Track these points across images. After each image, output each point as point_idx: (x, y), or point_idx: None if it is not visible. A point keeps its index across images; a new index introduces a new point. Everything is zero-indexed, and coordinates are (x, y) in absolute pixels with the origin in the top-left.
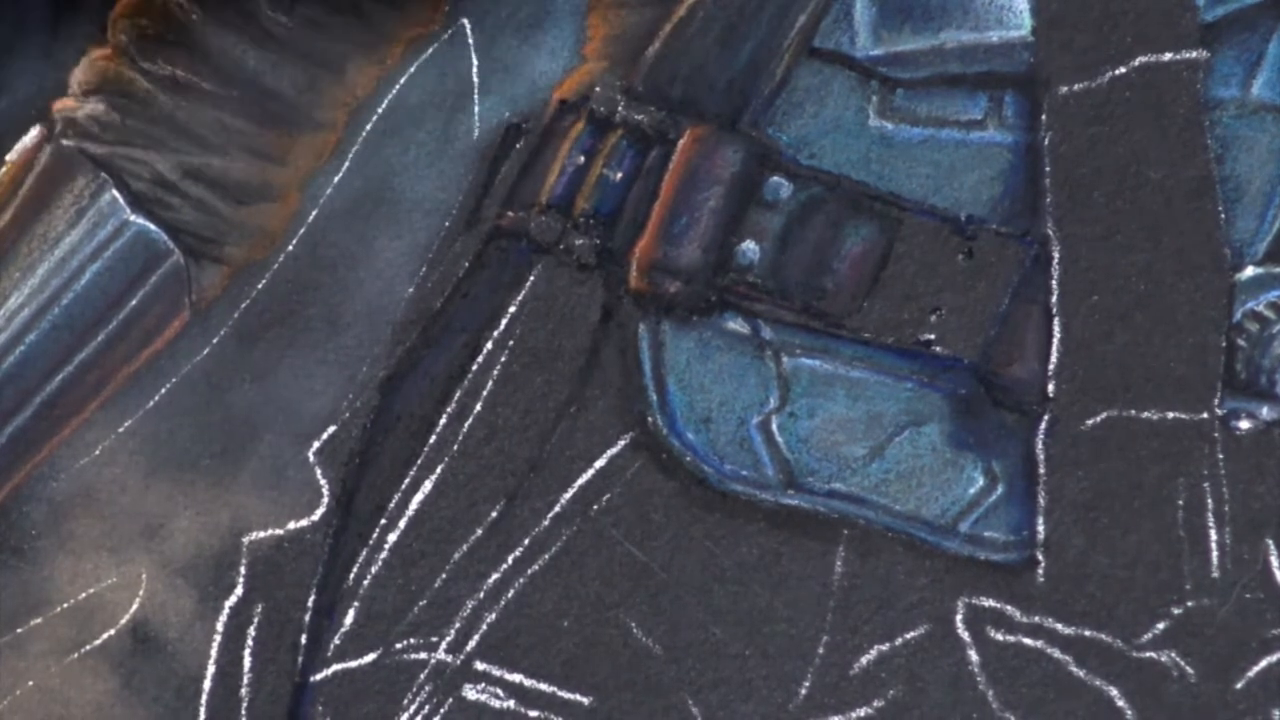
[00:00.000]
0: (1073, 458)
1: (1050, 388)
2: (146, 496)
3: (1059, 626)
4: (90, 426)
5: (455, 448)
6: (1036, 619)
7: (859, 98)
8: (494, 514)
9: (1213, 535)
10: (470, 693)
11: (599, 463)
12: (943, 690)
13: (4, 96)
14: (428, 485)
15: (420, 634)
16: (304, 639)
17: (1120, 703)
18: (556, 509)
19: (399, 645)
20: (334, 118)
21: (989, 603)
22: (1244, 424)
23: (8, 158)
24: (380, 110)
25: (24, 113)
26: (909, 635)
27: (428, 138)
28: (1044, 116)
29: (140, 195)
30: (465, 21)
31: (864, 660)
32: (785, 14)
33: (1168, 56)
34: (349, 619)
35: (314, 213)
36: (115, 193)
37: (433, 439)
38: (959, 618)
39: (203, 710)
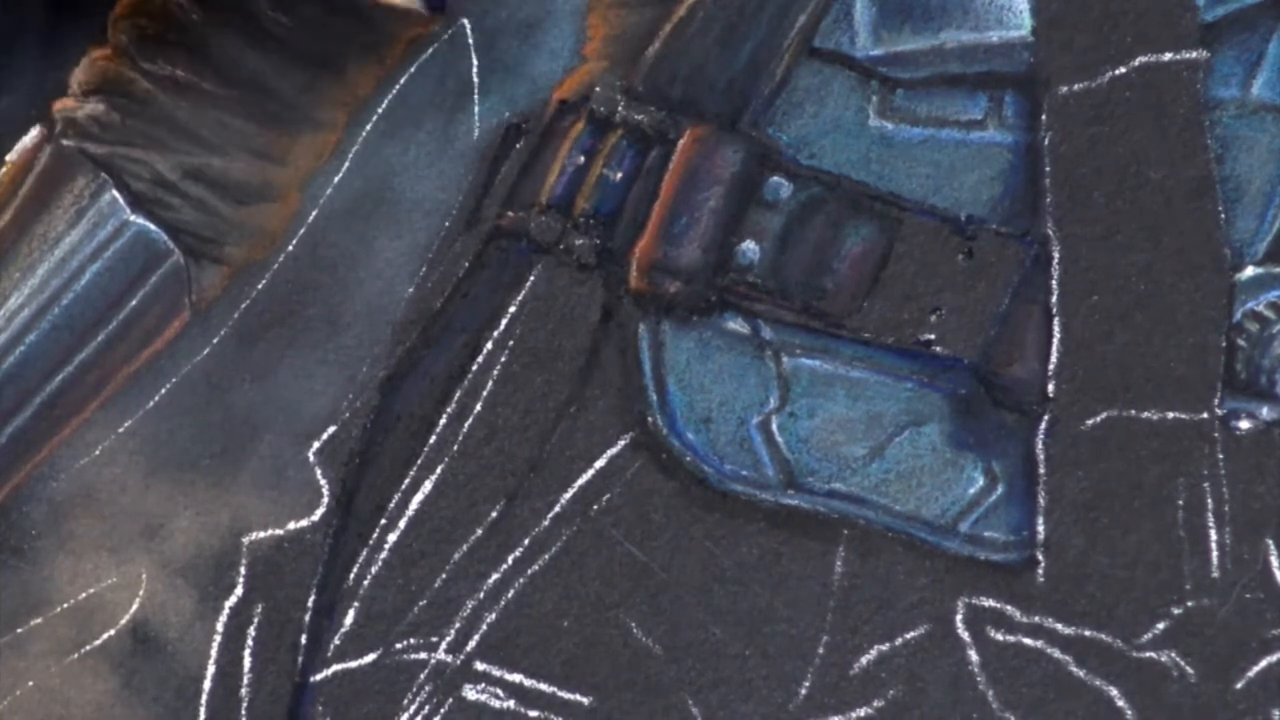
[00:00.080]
0: (1073, 458)
1: (1050, 388)
2: (146, 496)
3: (1059, 626)
4: (90, 426)
5: (455, 448)
6: (1036, 619)
7: (859, 98)
8: (494, 514)
9: (1213, 535)
10: (470, 693)
11: (599, 463)
12: (943, 690)
13: (4, 96)
14: (428, 485)
15: (420, 634)
16: (304, 639)
17: (1120, 703)
18: (556, 509)
19: (399, 645)
20: (334, 118)
21: (989, 603)
22: (1244, 424)
23: (8, 158)
24: (380, 110)
25: (24, 113)
26: (909, 635)
27: (428, 138)
28: (1044, 116)
29: (140, 195)
30: (465, 21)
31: (864, 660)
32: (785, 14)
33: (1168, 56)
34: (349, 619)
35: (314, 213)
36: (115, 193)
37: (433, 439)
38: (959, 618)
39: (203, 710)
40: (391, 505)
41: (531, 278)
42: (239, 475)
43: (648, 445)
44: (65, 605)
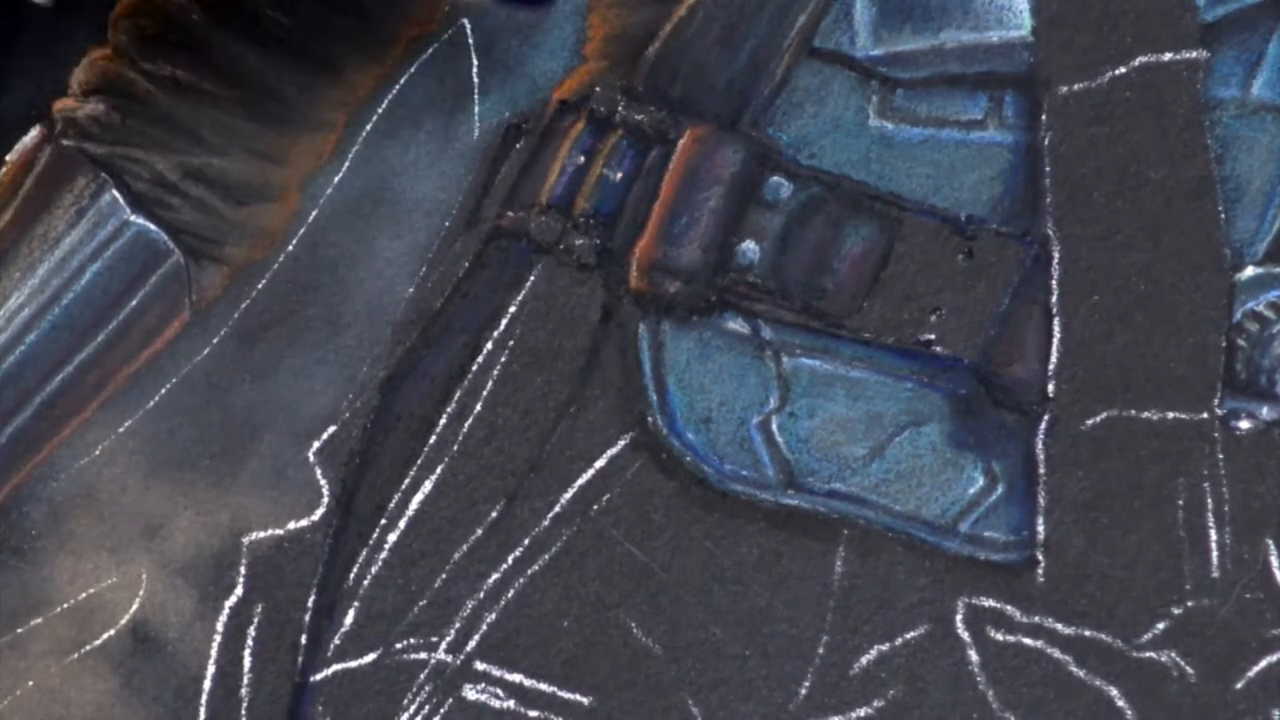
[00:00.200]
0: (1073, 458)
1: (1050, 388)
2: (147, 497)
3: (1059, 626)
4: (90, 426)
5: (455, 448)
6: (1036, 619)
7: (859, 98)
8: (494, 514)
9: (1213, 535)
10: (470, 693)
11: (599, 463)
12: (943, 690)
13: (4, 96)
14: (428, 485)
15: (420, 634)
16: (304, 639)
17: (1120, 703)
18: (556, 509)
19: (399, 645)
20: (334, 118)
21: (989, 603)
22: (1244, 424)
23: (8, 158)
24: (380, 110)
25: (24, 113)
26: (909, 635)
27: (428, 138)
28: (1044, 116)
29: (140, 195)
30: (465, 21)
31: (864, 660)
32: (785, 14)
33: (1168, 56)
34: (349, 619)
35: (314, 213)
36: (115, 193)
37: (433, 439)
38: (959, 618)
39: (203, 710)
40: (391, 505)
41: (531, 278)
42: (239, 475)
43: (648, 445)
44: (65, 605)
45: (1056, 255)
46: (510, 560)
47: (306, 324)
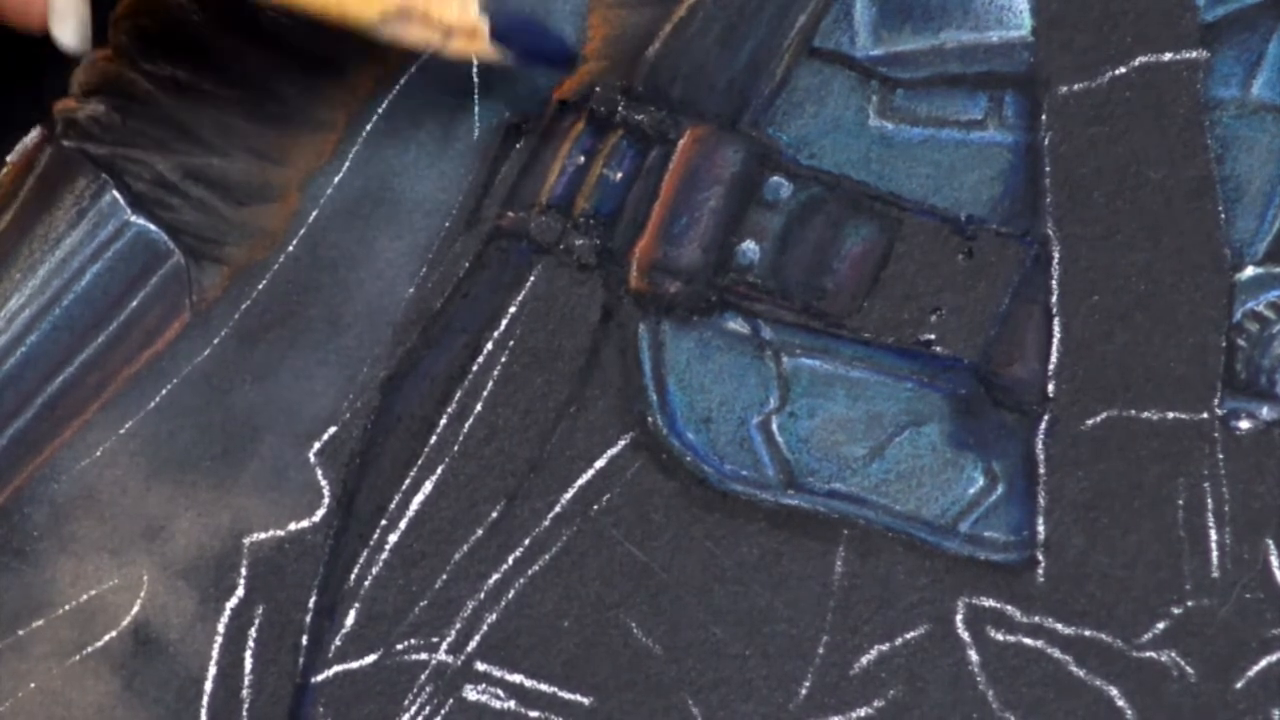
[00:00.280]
0: (1073, 458)
1: (1050, 388)
2: (147, 498)
3: (1059, 626)
4: (91, 428)
5: (456, 448)
6: (1036, 619)
7: (859, 98)
8: (494, 514)
9: (1213, 535)
10: (471, 693)
11: (599, 463)
12: (943, 690)
13: (4, 96)
14: (428, 486)
15: (421, 635)
16: (305, 640)
17: (1120, 703)
18: (557, 509)
19: (400, 646)
20: (334, 118)
21: (989, 603)
22: (1244, 424)
23: (8, 158)
24: (380, 110)
25: (24, 113)
26: (909, 635)
27: (428, 138)
28: (1044, 116)
29: (141, 196)
30: None
31: (864, 660)
32: (785, 14)
33: (1168, 56)
34: (350, 620)
35: (314, 213)
36: (116, 193)
37: (433, 439)
38: (959, 618)
39: (204, 711)
40: (392, 506)
41: (531, 278)
42: (240, 476)
43: (648, 445)
44: (67, 607)
45: (1056, 255)
46: (511, 560)
47: (307, 324)
